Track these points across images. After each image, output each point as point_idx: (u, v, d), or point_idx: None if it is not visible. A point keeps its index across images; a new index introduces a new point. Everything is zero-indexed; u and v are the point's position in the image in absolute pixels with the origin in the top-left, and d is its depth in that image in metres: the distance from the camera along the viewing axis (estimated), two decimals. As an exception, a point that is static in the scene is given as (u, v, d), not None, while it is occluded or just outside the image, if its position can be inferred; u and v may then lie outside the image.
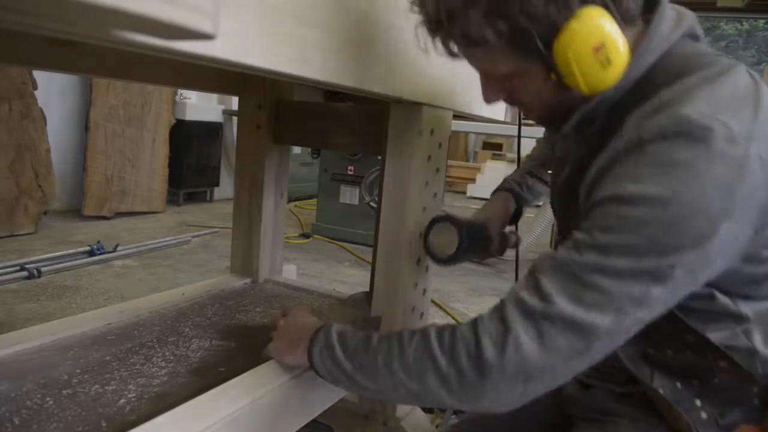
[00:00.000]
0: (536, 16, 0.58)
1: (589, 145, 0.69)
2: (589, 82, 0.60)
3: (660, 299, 0.57)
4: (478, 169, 7.61)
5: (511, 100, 0.72)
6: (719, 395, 0.66)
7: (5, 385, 0.77)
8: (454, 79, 1.03)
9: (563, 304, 0.57)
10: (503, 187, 1.09)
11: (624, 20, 0.61)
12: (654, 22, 0.64)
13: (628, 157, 0.58)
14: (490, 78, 0.70)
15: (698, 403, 0.66)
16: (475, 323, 0.62)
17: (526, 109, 0.73)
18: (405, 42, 0.85)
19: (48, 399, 0.74)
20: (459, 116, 1.19)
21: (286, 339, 0.83)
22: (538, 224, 3.10)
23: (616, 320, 0.56)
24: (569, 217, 0.75)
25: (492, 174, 7.27)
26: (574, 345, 0.57)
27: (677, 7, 0.68)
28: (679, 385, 0.68)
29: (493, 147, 8.57)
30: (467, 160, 8.78)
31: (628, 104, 0.63)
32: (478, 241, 0.97)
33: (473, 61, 0.69)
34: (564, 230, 0.80)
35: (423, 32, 0.68)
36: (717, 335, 0.63)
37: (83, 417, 0.71)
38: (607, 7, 0.59)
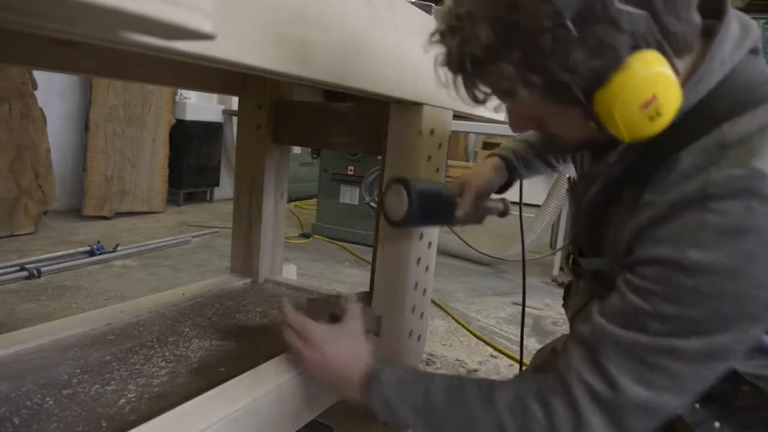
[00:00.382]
0: (578, 69, 0.52)
1: (627, 164, 0.65)
2: (633, 133, 0.55)
3: (723, 370, 0.57)
4: (478, 169, 7.59)
5: (541, 131, 0.69)
6: (739, 418, 0.64)
7: (5, 385, 0.77)
8: (454, 79, 1.03)
9: (634, 391, 0.56)
10: (499, 154, 1.02)
11: (679, 52, 0.55)
12: (716, 42, 0.57)
13: (690, 212, 0.53)
14: (519, 114, 0.67)
15: (717, 425, 0.64)
16: (545, 402, 0.61)
17: (557, 139, 0.69)
18: (405, 42, 0.85)
19: (48, 399, 0.74)
20: (459, 116, 1.19)
21: (326, 377, 0.78)
22: (538, 224, 3.10)
23: (684, 398, 0.58)
24: (596, 237, 0.72)
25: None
26: (645, 424, 0.58)
27: (741, 16, 0.61)
28: (698, 406, 0.65)
29: (493, 147, 8.54)
30: (467, 160, 8.78)
31: (682, 134, 0.57)
32: (437, 207, 0.95)
33: (500, 101, 0.64)
34: (587, 248, 0.76)
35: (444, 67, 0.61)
36: (746, 365, 0.61)
37: (83, 417, 0.71)
38: (661, 47, 0.53)
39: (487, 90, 0.59)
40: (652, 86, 0.52)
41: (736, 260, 0.51)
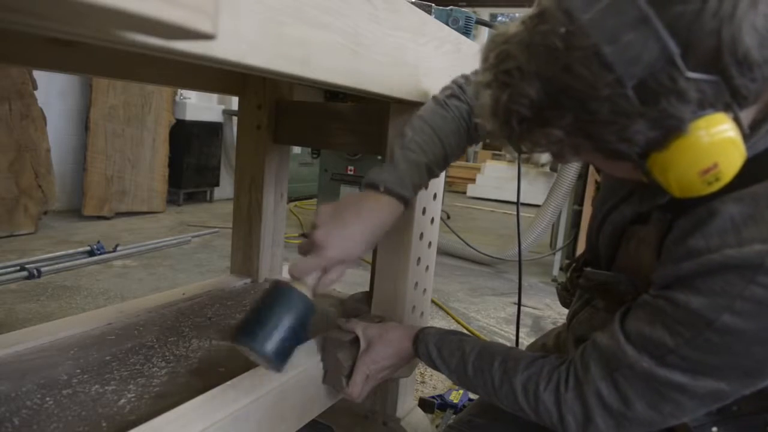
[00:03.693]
0: (635, 140, 0.48)
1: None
2: (686, 193, 0.52)
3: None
4: (478, 169, 7.61)
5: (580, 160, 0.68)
6: (736, 422, 0.65)
7: (5, 385, 0.77)
8: (454, 79, 1.03)
9: (642, 410, 0.59)
10: (396, 194, 0.86)
11: (747, 105, 0.51)
12: None
13: (735, 276, 0.51)
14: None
15: (714, 430, 0.65)
16: (558, 396, 0.65)
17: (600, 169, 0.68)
18: (405, 42, 0.85)
19: (48, 399, 0.75)
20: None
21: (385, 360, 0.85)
22: (538, 224, 3.10)
23: (686, 419, 0.61)
24: (610, 250, 0.72)
25: (492, 174, 7.27)
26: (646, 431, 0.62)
27: None
28: None
29: (493, 147, 8.56)
30: (467, 160, 8.78)
31: (744, 172, 0.52)
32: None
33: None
34: (605, 262, 0.76)
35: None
36: None
37: (83, 417, 0.71)
38: (728, 108, 0.48)
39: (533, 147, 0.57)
40: (714, 155, 0.48)
41: None
